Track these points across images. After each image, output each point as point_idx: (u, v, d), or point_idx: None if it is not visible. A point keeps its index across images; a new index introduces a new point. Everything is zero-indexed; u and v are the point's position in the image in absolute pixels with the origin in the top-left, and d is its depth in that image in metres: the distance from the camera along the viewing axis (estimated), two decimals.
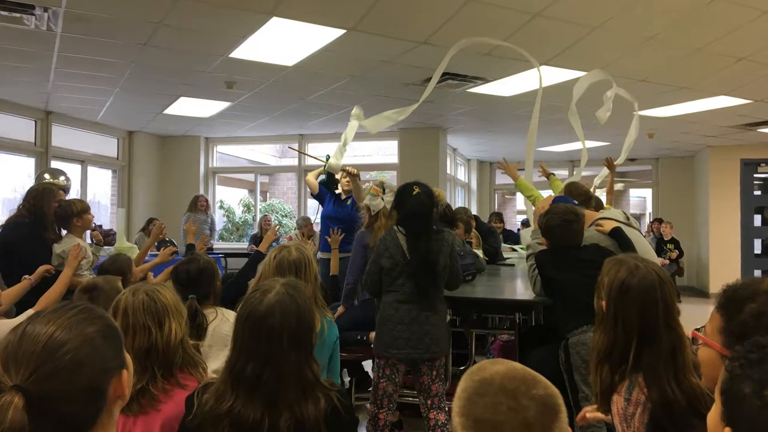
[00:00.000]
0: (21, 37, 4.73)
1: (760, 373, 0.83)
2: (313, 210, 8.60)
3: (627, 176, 13.97)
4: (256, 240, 8.46)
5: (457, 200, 11.35)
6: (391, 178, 9.40)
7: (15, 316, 2.73)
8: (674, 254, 9.88)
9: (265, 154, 12.90)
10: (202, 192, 9.38)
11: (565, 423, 0.91)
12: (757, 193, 10.67)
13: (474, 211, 10.57)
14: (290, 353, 1.47)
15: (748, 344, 0.89)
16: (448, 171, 10.14)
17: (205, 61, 5.43)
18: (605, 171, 5.14)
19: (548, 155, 10.24)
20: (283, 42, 4.87)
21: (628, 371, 1.70)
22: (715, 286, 8.36)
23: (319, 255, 4.50)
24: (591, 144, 7.98)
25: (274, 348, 1.46)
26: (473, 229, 5.08)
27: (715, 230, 10.28)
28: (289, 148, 9.88)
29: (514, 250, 6.63)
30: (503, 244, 6.53)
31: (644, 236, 4.58)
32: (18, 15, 4.21)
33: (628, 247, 3.05)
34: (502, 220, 8.14)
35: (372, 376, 3.03)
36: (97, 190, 9.35)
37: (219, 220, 10.73)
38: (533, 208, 3.92)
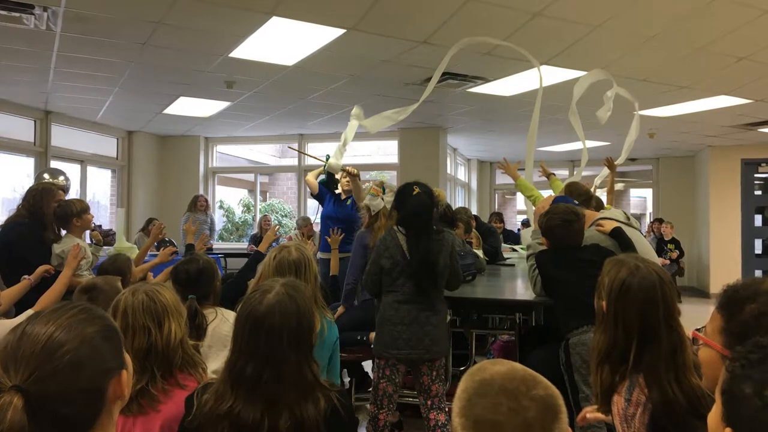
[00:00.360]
0: (20, 36, 4.73)
1: (760, 373, 0.83)
2: (313, 210, 8.61)
3: (627, 176, 13.97)
4: (256, 240, 8.45)
5: (457, 200, 11.35)
6: (391, 178, 9.39)
7: (14, 316, 2.72)
8: (675, 254, 9.87)
9: (265, 154, 12.89)
10: (201, 192, 9.37)
11: (565, 423, 0.91)
12: (758, 193, 10.67)
13: (474, 211, 10.57)
14: (290, 354, 1.46)
15: (749, 344, 0.89)
16: (448, 171, 10.14)
17: (204, 60, 5.42)
18: (606, 171, 5.15)
19: (548, 155, 10.23)
20: (283, 41, 4.86)
21: (629, 371, 1.70)
22: (716, 286, 8.39)
23: (319, 255, 4.50)
24: (591, 144, 7.97)
25: (274, 348, 1.46)
26: (473, 229, 5.08)
27: (715, 230, 10.28)
28: (289, 148, 9.87)
29: (515, 250, 6.64)
30: (503, 244, 6.54)
31: (645, 236, 4.58)
32: (17, 14, 4.21)
33: (629, 247, 3.04)
34: (502, 220, 8.14)
35: (372, 377, 3.03)
36: (97, 190, 9.35)
37: (219, 220, 10.73)
38: (533, 208, 3.91)
